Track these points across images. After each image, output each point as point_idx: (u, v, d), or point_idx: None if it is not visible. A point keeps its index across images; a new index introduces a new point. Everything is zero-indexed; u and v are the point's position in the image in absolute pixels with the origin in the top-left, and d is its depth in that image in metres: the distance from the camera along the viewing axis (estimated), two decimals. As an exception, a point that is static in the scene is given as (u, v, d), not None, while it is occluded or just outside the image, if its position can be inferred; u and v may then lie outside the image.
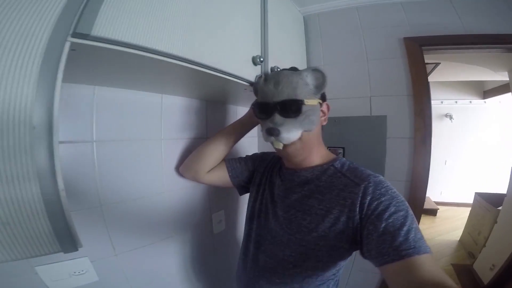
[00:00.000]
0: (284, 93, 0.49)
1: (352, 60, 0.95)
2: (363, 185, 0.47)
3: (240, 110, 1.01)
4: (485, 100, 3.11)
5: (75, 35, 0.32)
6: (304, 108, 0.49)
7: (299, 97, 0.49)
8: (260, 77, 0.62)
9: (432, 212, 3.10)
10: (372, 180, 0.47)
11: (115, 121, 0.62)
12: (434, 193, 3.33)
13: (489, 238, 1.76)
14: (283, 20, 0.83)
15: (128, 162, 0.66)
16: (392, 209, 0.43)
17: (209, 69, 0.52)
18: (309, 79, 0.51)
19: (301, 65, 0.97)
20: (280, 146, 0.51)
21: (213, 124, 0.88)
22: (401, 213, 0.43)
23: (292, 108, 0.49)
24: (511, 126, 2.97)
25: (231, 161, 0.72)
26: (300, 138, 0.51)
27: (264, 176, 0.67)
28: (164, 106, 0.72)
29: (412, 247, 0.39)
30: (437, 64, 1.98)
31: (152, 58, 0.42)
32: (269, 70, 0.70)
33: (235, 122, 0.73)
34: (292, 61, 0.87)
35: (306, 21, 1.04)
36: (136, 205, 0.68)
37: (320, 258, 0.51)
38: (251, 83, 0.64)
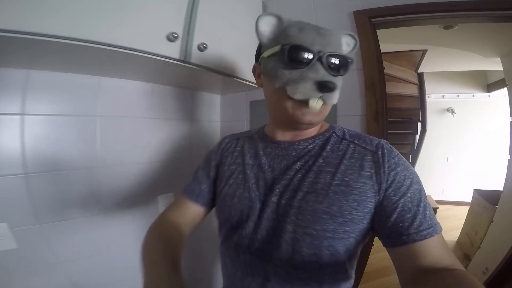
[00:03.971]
0: (331, 45, 0.41)
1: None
2: (378, 152, 0.41)
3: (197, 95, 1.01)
4: (489, 93, 2.93)
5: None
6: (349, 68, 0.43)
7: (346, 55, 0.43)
8: (278, 17, 0.46)
9: (431, 212, 2.93)
10: (384, 146, 0.42)
11: (48, 99, 0.66)
12: (435, 191, 3.15)
13: (485, 238, 1.62)
14: (228, 4, 0.81)
15: (61, 135, 0.68)
16: (407, 181, 0.39)
17: (108, 47, 0.53)
18: (346, 41, 0.47)
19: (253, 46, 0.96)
20: (319, 107, 0.40)
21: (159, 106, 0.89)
22: (416, 186, 0.39)
23: (342, 64, 0.41)
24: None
25: (186, 191, 0.56)
26: None
27: (235, 163, 0.51)
28: (101, 88, 0.74)
29: (430, 225, 0.36)
30: (424, 51, 1.90)
31: (48, 41, 0.46)
32: (195, 48, 0.68)
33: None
34: (241, 43, 0.84)
35: (266, 6, 1.03)
36: (64, 176, 0.68)
37: (349, 246, 0.42)
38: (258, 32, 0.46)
